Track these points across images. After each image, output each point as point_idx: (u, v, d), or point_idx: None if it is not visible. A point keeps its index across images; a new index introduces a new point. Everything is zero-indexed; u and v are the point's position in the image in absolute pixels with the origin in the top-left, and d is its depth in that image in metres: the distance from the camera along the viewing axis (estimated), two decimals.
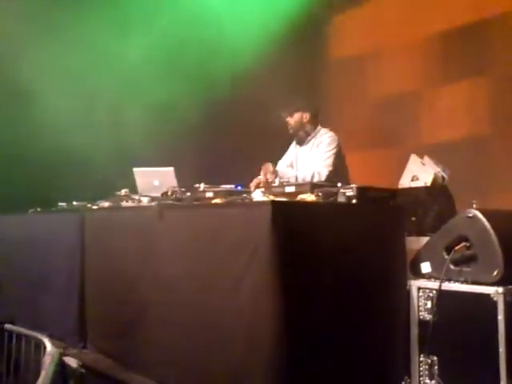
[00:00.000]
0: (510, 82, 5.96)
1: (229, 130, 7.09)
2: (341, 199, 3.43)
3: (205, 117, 7.09)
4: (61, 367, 3.25)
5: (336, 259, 3.17)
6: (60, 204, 5.44)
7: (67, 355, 3.61)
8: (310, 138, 5.15)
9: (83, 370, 3.36)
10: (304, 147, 5.21)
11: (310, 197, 3.51)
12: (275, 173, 4.96)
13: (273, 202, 3.18)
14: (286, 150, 5.39)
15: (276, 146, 5.70)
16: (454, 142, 6.15)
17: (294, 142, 5.32)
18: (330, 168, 4.86)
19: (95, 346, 4.50)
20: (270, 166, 4.98)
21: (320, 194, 3.49)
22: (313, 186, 3.62)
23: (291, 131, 5.19)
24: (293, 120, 5.14)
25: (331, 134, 5.08)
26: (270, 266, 2.96)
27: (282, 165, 5.28)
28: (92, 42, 6.56)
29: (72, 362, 3.39)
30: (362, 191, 3.41)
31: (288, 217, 3.05)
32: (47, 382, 2.89)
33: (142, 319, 3.89)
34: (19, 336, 4.06)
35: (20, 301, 5.27)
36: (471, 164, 5.75)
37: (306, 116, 5.13)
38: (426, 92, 6.74)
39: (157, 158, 5.27)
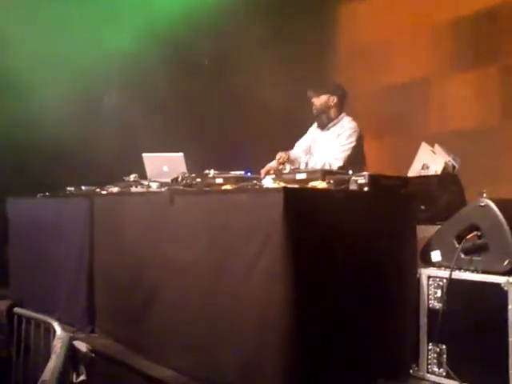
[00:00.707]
0: None
1: (238, 117, 7.08)
2: (352, 187, 3.42)
3: (213, 103, 7.09)
4: (71, 351, 3.25)
5: (347, 246, 3.18)
6: (68, 189, 5.44)
7: (76, 339, 3.61)
8: (332, 124, 5.03)
9: (93, 355, 3.36)
10: (324, 132, 5.09)
11: (321, 184, 3.50)
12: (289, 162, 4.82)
13: (285, 188, 3.17)
14: (296, 136, 5.34)
15: (287, 131, 5.68)
16: (464, 130, 6.12)
17: (315, 125, 5.20)
18: (344, 162, 4.73)
19: (104, 330, 4.52)
20: (285, 154, 4.88)
21: (331, 181, 3.48)
22: (324, 174, 3.61)
23: (315, 112, 5.07)
24: (319, 101, 5.02)
25: (353, 125, 4.96)
26: (282, 252, 2.97)
27: (300, 146, 5.21)
28: (90, 29, 6.53)
29: (82, 346, 3.38)
30: (373, 179, 3.40)
31: (300, 204, 3.06)
32: (58, 366, 2.89)
33: (153, 304, 3.91)
34: (28, 319, 4.07)
35: (29, 284, 5.30)
36: (481, 153, 5.71)
37: (334, 99, 5.01)
38: (436, 81, 6.69)
39: (165, 144, 5.25)
